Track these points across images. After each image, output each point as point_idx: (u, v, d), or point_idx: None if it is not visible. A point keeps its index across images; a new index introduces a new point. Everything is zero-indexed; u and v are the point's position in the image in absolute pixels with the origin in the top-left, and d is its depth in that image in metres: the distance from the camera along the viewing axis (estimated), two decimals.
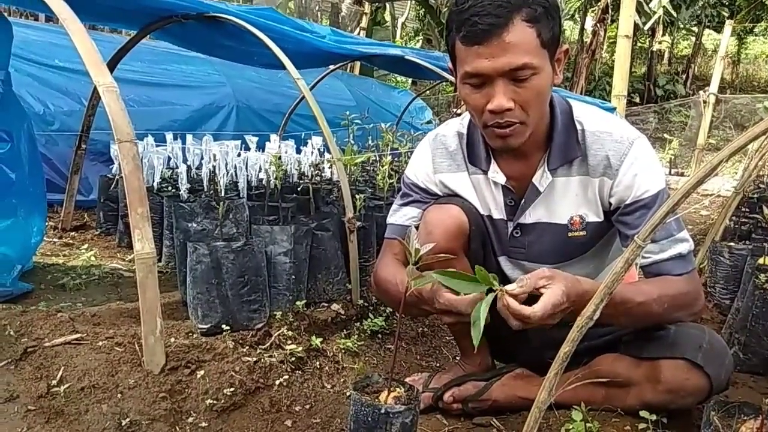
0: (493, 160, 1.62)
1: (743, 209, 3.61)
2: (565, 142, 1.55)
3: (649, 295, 1.45)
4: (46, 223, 3.21)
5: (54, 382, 1.58)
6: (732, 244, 3.02)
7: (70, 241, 3.33)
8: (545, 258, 1.65)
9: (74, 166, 3.45)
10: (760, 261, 2.44)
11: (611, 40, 16.03)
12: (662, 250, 1.48)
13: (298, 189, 2.94)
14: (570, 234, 1.61)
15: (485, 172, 1.64)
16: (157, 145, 3.17)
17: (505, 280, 1.72)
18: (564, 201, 1.59)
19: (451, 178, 1.70)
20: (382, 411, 1.27)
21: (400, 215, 1.74)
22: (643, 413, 1.50)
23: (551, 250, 1.64)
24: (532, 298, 1.29)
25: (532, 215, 1.63)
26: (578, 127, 1.56)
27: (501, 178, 1.61)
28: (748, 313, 2.24)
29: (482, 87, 1.40)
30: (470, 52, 1.37)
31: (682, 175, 9.94)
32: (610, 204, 1.56)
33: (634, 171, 1.50)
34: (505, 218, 1.66)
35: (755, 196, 4.02)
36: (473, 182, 1.68)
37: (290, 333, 2.00)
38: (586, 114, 1.58)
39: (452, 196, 1.70)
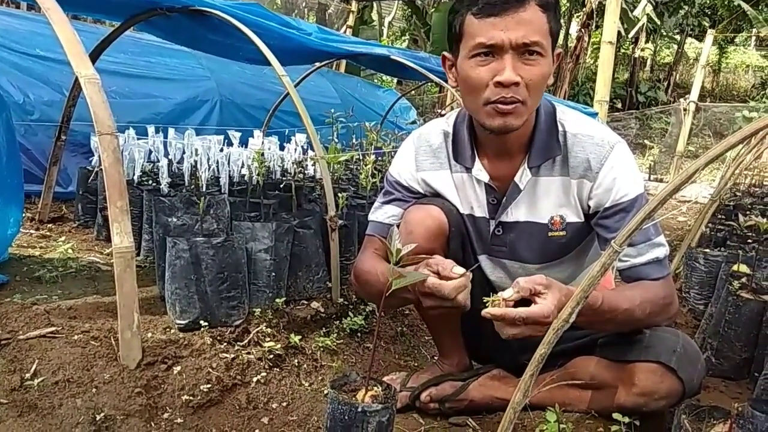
0: (477, 159, 1.63)
1: (719, 216, 3.68)
2: (546, 141, 1.57)
3: (632, 301, 1.47)
4: (23, 215, 3.16)
5: (28, 375, 1.56)
6: (707, 250, 3.07)
7: (47, 233, 3.28)
8: (526, 258, 1.67)
9: (53, 157, 3.40)
10: (734, 268, 2.48)
11: (595, 46, 16.22)
12: (640, 254, 1.51)
13: (281, 186, 2.93)
14: (550, 234, 1.62)
15: (469, 170, 1.65)
16: (138, 138, 3.13)
17: (485, 280, 1.74)
18: (545, 201, 1.61)
19: (433, 176, 1.71)
20: (359, 409, 1.28)
21: (381, 213, 1.75)
22: (616, 415, 1.52)
23: (532, 249, 1.66)
24: (522, 301, 1.31)
25: (513, 213, 1.64)
26: (560, 128, 1.58)
27: (485, 176, 1.62)
28: (721, 318, 2.28)
29: (490, 62, 1.41)
30: (485, 24, 1.39)
31: (661, 181, 10.09)
32: (589, 207, 1.58)
33: (613, 175, 1.52)
34: (488, 216, 1.68)
35: (731, 203, 4.10)
36: (455, 180, 1.69)
37: (269, 330, 1.99)
38: (569, 116, 1.61)
39: (433, 197, 1.71)
